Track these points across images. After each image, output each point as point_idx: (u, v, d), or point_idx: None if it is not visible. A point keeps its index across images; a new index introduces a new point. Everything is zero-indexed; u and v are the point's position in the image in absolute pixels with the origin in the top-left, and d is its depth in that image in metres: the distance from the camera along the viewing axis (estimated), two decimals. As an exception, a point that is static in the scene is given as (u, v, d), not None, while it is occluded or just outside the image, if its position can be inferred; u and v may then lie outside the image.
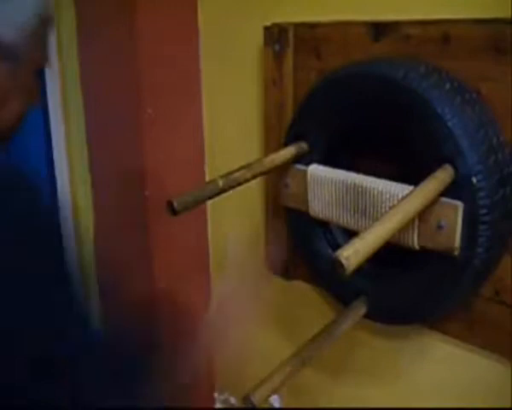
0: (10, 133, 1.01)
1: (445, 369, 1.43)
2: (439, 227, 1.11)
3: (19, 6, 0.89)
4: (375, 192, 1.20)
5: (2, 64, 0.90)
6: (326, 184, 1.31)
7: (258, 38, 1.58)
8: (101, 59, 2.32)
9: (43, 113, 2.73)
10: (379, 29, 1.32)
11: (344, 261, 0.83)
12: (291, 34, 1.49)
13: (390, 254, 1.13)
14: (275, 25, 1.52)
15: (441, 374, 1.44)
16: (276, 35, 1.52)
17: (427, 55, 1.23)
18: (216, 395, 2.13)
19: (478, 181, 1.06)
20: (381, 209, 1.20)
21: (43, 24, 0.94)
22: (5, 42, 0.88)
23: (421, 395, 1.49)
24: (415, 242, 1.16)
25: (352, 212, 1.27)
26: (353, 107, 1.25)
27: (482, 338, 1.30)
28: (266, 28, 1.54)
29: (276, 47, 1.52)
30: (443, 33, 1.21)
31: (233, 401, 2.07)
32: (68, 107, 2.75)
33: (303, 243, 1.49)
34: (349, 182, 1.26)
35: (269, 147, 1.61)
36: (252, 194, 1.76)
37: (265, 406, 1.88)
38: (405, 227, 1.09)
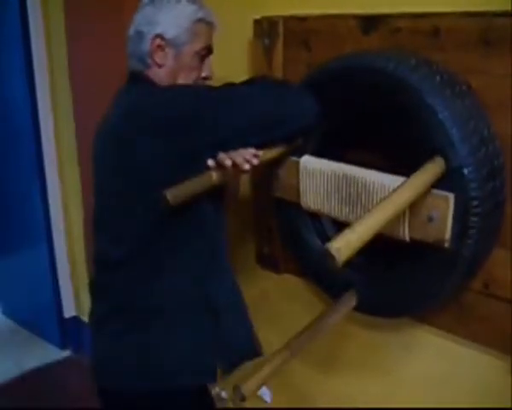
0: None
1: (434, 361, 1.43)
2: (430, 219, 1.11)
3: (180, 13, 1.34)
4: (367, 183, 1.21)
5: (170, 50, 1.34)
6: (318, 176, 1.31)
7: (248, 31, 1.58)
8: (90, 56, 2.31)
9: (33, 110, 2.72)
10: (369, 22, 1.32)
11: (335, 253, 0.83)
12: (281, 27, 1.49)
13: (380, 247, 1.13)
14: (264, 18, 1.52)
15: (430, 366, 1.44)
16: (265, 28, 1.52)
17: (417, 47, 1.23)
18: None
19: (469, 173, 1.06)
20: (373, 200, 1.20)
21: (199, 24, 1.36)
22: (169, 36, 1.33)
23: (410, 387, 1.50)
24: (405, 234, 1.16)
25: (344, 203, 1.27)
26: (345, 99, 1.26)
27: (471, 330, 1.31)
28: (256, 21, 1.54)
29: (266, 40, 1.52)
30: (432, 26, 1.21)
31: (224, 394, 2.07)
32: (57, 102, 2.73)
33: (293, 235, 1.49)
34: (341, 173, 1.26)
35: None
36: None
37: (256, 400, 1.88)
38: (396, 219, 1.09)
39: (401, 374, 1.52)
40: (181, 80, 1.37)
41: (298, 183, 1.37)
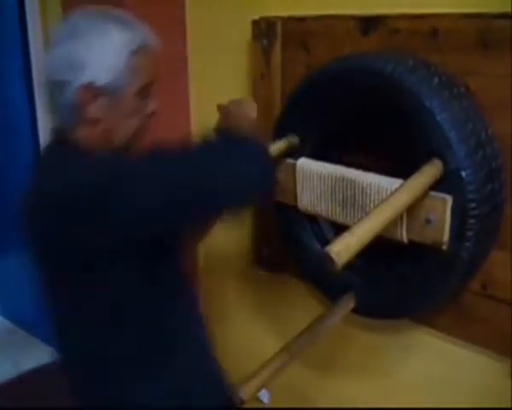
0: (128, 148, 1.12)
1: (433, 363, 1.43)
2: (428, 221, 1.11)
3: (112, 47, 1.02)
4: (364, 185, 1.20)
5: (105, 100, 1.04)
6: (315, 178, 1.31)
7: (247, 31, 1.58)
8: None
9: (31, 112, 2.72)
10: (367, 23, 1.32)
11: (334, 256, 0.83)
12: (279, 28, 1.49)
13: (378, 249, 1.13)
14: (263, 19, 1.52)
15: (430, 368, 1.44)
16: (264, 29, 1.51)
17: (416, 49, 1.23)
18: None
19: (467, 175, 1.06)
20: (370, 203, 1.20)
21: (139, 56, 1.06)
22: (102, 83, 1.02)
23: (409, 389, 1.50)
24: (403, 236, 1.16)
25: (341, 205, 1.27)
26: (342, 101, 1.25)
27: (470, 332, 1.30)
28: (254, 22, 1.54)
29: (264, 41, 1.52)
30: (431, 27, 1.21)
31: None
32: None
33: (291, 237, 1.49)
34: (338, 175, 1.26)
35: (257, 141, 1.61)
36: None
37: (254, 401, 1.88)
38: (394, 221, 1.09)
39: (400, 376, 1.52)
40: (122, 132, 1.08)
41: (295, 185, 1.37)
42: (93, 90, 1.02)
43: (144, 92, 1.10)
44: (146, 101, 1.12)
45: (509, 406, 1.28)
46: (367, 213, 0.93)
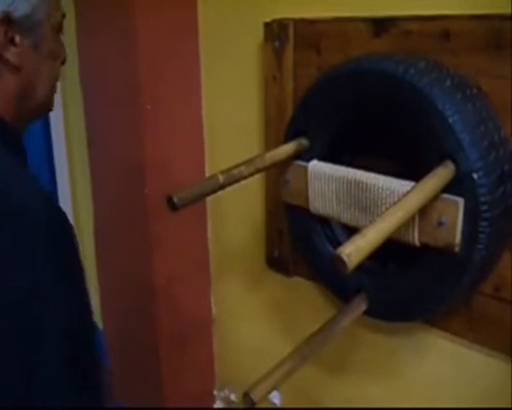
0: (50, 104, 0.95)
1: (444, 366, 1.43)
2: (440, 223, 1.11)
3: None
4: (376, 188, 1.20)
5: (26, 40, 0.81)
6: (326, 181, 1.31)
7: (259, 34, 1.58)
8: (100, 56, 2.33)
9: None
10: (379, 25, 1.32)
11: (345, 259, 0.83)
12: (291, 30, 1.49)
13: (390, 251, 1.13)
14: (275, 21, 1.52)
15: (441, 371, 1.44)
16: (276, 31, 1.52)
17: (427, 50, 1.23)
18: (216, 392, 2.13)
19: (479, 177, 1.05)
20: (382, 205, 1.20)
21: None
22: (20, 14, 0.78)
23: (421, 392, 1.49)
24: (415, 238, 1.16)
25: (353, 208, 1.27)
26: (354, 103, 1.25)
27: (482, 335, 1.30)
28: (266, 24, 1.54)
29: (276, 43, 1.52)
30: (443, 29, 1.20)
31: (233, 397, 2.07)
32: (67, 104, 2.75)
33: (303, 239, 1.49)
34: (349, 178, 1.26)
35: (269, 143, 1.61)
36: (252, 191, 1.76)
37: (265, 402, 1.88)
38: (406, 223, 1.09)
39: (411, 378, 1.51)
40: (44, 83, 0.87)
41: (306, 188, 1.37)
42: (10, 24, 0.78)
43: (59, 29, 0.89)
44: (61, 42, 0.91)
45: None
46: (378, 216, 0.93)
